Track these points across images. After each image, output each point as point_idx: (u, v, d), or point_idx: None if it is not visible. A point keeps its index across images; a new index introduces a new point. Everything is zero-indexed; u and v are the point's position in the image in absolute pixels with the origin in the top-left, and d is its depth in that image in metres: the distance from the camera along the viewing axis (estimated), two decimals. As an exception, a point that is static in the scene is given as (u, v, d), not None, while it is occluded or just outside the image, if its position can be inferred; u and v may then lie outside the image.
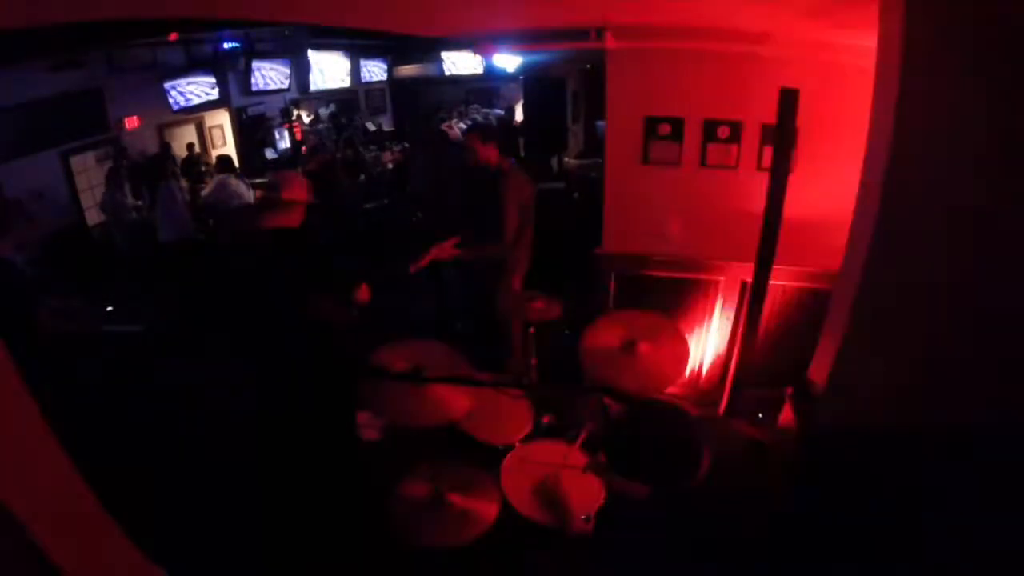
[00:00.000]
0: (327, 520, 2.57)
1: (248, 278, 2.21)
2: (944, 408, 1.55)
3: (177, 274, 5.45)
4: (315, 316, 2.20)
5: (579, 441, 2.19)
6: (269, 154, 8.76)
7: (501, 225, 3.03)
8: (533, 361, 2.81)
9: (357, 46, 10.50)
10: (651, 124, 2.99)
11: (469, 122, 9.10)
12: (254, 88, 8.76)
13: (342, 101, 10.87)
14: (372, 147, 9.12)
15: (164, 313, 3.33)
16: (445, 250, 3.04)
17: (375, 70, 11.52)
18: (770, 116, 2.42)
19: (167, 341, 3.23)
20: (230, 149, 8.55)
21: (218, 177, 6.21)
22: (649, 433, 1.41)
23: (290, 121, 9.16)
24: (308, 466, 2.48)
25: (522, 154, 6.70)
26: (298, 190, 2.22)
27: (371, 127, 10.83)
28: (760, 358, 2.99)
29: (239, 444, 2.71)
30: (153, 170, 6.59)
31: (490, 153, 3.14)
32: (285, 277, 2.15)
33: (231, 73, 8.53)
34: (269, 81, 9.01)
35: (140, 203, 6.30)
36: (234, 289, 2.25)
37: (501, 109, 10.62)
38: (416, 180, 6.16)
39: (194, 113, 8.15)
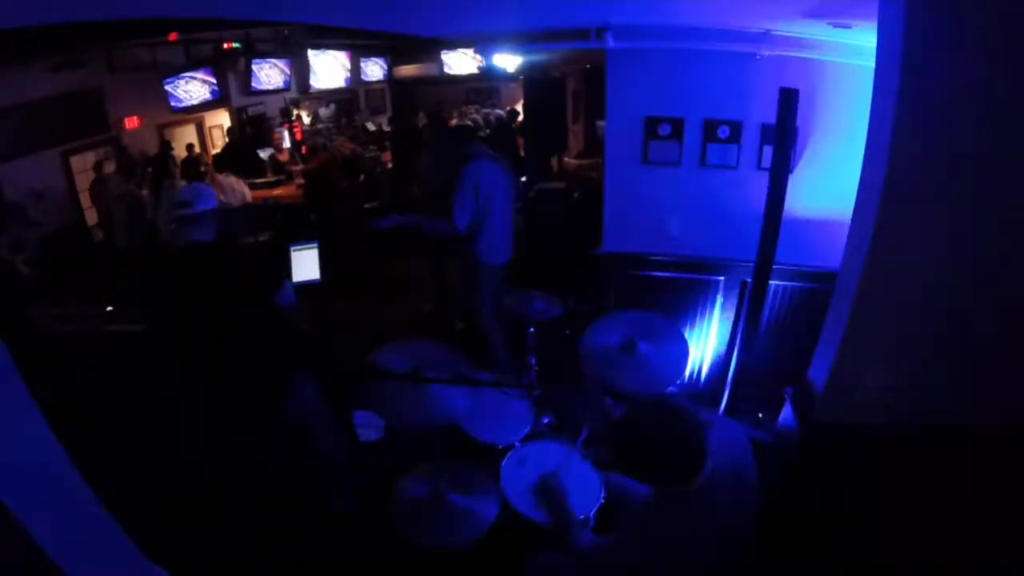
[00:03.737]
0: (327, 520, 2.58)
1: (180, 290, 2.26)
2: (944, 408, 1.55)
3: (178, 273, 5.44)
4: (235, 318, 2.22)
5: (579, 441, 2.19)
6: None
7: (451, 206, 3.19)
8: (533, 361, 2.81)
9: (357, 46, 10.49)
10: (651, 124, 2.99)
11: (470, 121, 9.13)
12: (254, 88, 8.75)
13: (342, 101, 10.86)
14: (372, 147, 9.12)
15: (155, 313, 3.34)
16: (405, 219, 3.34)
17: (375, 70, 11.52)
18: (770, 116, 2.42)
19: (167, 341, 3.23)
20: (230, 149, 8.54)
21: (216, 178, 6.19)
22: (649, 433, 1.41)
23: (290, 121, 9.15)
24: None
25: (522, 154, 6.70)
26: (208, 201, 2.27)
27: (371, 127, 10.82)
28: (760, 358, 2.99)
29: (239, 443, 2.71)
30: (154, 169, 6.59)
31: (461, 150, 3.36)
32: (208, 288, 2.19)
33: (231, 73, 8.52)
34: (269, 81, 9.01)
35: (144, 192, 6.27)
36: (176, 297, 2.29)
37: (502, 109, 10.60)
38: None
39: (194, 113, 8.15)
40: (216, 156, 7.75)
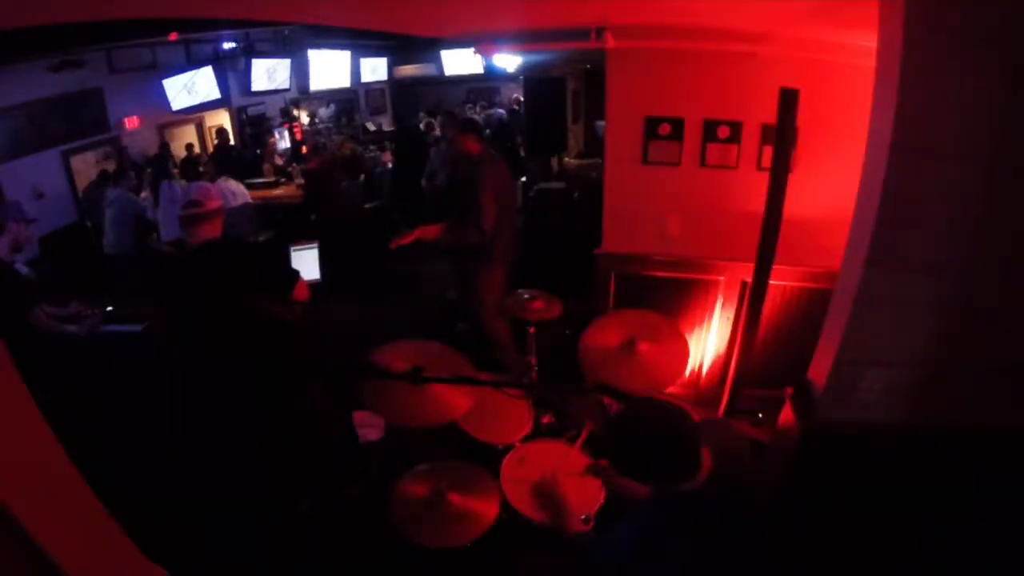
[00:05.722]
0: (327, 519, 2.58)
1: (190, 288, 2.27)
2: (944, 408, 1.55)
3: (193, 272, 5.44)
4: (257, 317, 2.25)
5: (579, 441, 2.19)
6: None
7: (479, 212, 3.11)
8: (533, 361, 2.81)
9: (357, 46, 10.49)
10: (651, 124, 2.99)
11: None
12: (254, 88, 8.75)
13: (342, 101, 10.87)
14: (372, 147, 9.12)
15: (156, 314, 3.35)
16: (429, 232, 3.22)
17: (375, 70, 11.53)
18: (770, 116, 2.41)
19: (166, 341, 3.24)
20: (230, 149, 8.50)
21: (216, 182, 6.18)
22: (649, 433, 1.41)
23: (290, 121, 9.14)
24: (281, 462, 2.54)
25: (522, 154, 6.69)
26: (215, 200, 2.30)
27: (371, 127, 10.83)
28: (760, 358, 2.99)
29: (239, 444, 2.71)
30: (153, 170, 6.57)
31: (471, 145, 3.28)
32: (219, 285, 2.20)
33: (231, 73, 8.52)
34: (269, 81, 9.00)
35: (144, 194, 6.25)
36: (184, 297, 2.31)
37: (503, 110, 10.59)
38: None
39: (194, 113, 8.15)
40: (207, 160, 7.67)
